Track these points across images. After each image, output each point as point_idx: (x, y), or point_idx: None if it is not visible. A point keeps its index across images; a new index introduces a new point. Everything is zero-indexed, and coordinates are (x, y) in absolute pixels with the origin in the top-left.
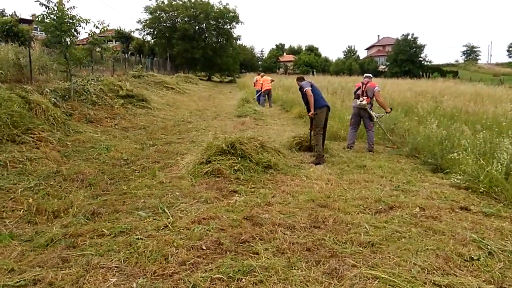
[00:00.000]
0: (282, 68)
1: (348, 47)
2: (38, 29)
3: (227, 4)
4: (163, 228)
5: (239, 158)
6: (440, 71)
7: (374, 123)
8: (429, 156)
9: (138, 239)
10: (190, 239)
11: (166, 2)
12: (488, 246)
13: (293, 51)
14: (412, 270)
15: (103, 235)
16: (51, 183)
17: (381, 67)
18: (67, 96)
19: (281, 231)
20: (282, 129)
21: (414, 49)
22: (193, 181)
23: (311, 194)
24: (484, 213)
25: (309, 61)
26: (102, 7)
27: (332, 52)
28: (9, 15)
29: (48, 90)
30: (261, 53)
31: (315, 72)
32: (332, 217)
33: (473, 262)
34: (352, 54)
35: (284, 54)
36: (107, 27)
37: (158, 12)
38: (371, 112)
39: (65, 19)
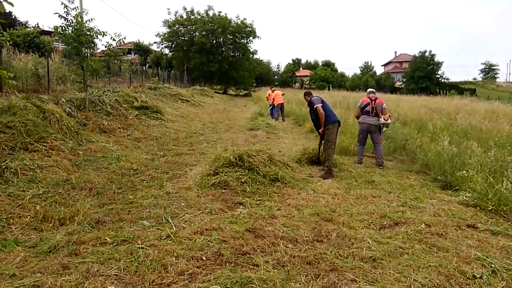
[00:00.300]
0: (298, 83)
1: (365, 63)
2: (59, 41)
3: (245, 19)
4: (165, 238)
5: (247, 171)
6: (457, 88)
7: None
8: (439, 173)
9: (139, 248)
10: (191, 249)
11: (184, 17)
12: (492, 265)
13: (309, 66)
14: (411, 286)
15: (106, 244)
16: (60, 191)
17: (398, 84)
18: (82, 106)
19: (283, 243)
20: (294, 142)
21: (432, 66)
22: (200, 192)
23: (316, 208)
24: (491, 231)
25: (325, 76)
26: (122, 20)
27: (349, 67)
28: (31, 26)
29: (64, 100)
30: (278, 68)
31: (331, 87)
32: (336, 231)
33: (476, 280)
34: (369, 70)
35: (301, 69)
36: (124, 39)
37: (177, 26)
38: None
39: (83, 31)
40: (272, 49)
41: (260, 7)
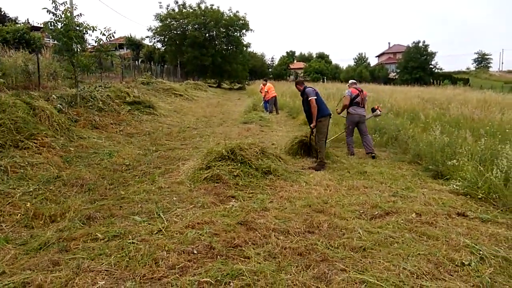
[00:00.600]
0: (293, 76)
1: (359, 54)
2: (50, 37)
3: (237, 11)
4: (156, 233)
5: (239, 164)
6: (451, 78)
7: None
8: (430, 163)
9: (130, 243)
10: (182, 243)
11: (176, 10)
12: (480, 252)
13: (303, 58)
14: (400, 274)
15: (97, 239)
16: (51, 188)
17: (392, 74)
18: (73, 103)
19: (274, 235)
20: (287, 135)
21: (425, 57)
22: (192, 186)
23: (308, 199)
24: (480, 219)
25: (319, 68)
26: (114, 15)
27: (343, 59)
28: (21, 23)
29: (55, 97)
30: (272, 60)
31: (325, 79)
32: (327, 222)
33: (464, 267)
34: (363, 61)
35: (295, 61)
36: (114, 34)
37: (169, 20)
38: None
39: (72, 26)
40: (266, 42)
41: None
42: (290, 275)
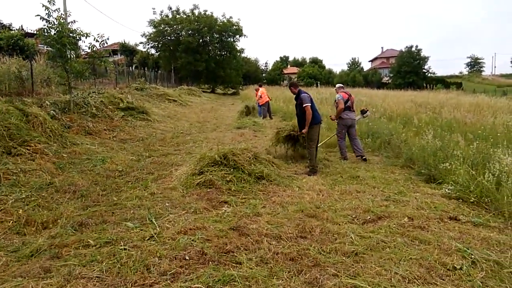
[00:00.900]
0: (286, 80)
1: (352, 59)
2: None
3: (231, 17)
4: (148, 239)
5: (232, 169)
6: (444, 82)
7: None
8: (422, 167)
9: (122, 249)
10: (174, 249)
11: (170, 16)
12: (472, 256)
13: (297, 63)
14: (392, 279)
15: (88, 246)
16: (43, 194)
17: (385, 79)
18: (67, 109)
19: (267, 241)
20: None
21: (418, 61)
22: (185, 192)
23: (301, 204)
24: (472, 223)
25: (313, 73)
26: (108, 21)
27: (336, 64)
28: (15, 29)
29: (48, 103)
30: (266, 66)
31: (319, 84)
32: (319, 227)
33: (456, 272)
34: (356, 66)
35: (288, 66)
36: (107, 40)
37: (162, 26)
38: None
39: (65, 33)
40: (259, 47)
41: (247, 5)
42: (282, 280)
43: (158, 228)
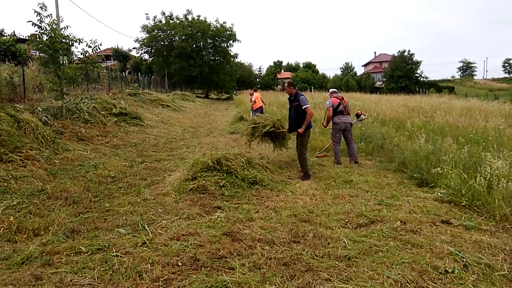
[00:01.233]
0: (280, 85)
1: (345, 63)
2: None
3: (224, 22)
4: (141, 245)
5: (225, 174)
6: (436, 86)
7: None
8: (415, 171)
9: (114, 256)
10: (167, 255)
11: (163, 21)
12: (464, 259)
13: (290, 68)
14: (385, 283)
15: (80, 253)
16: (35, 201)
17: (378, 83)
18: (59, 115)
19: (260, 246)
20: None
21: (411, 65)
22: (178, 197)
23: (294, 209)
24: (464, 226)
25: (306, 77)
26: (101, 27)
27: (330, 68)
28: (7, 35)
29: (40, 109)
30: (259, 70)
31: (312, 89)
32: (313, 232)
33: (448, 275)
34: (350, 70)
35: (282, 71)
36: (100, 46)
37: (156, 31)
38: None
39: (57, 38)
40: (253, 52)
41: (241, 10)
42: (275, 286)
43: (150, 234)
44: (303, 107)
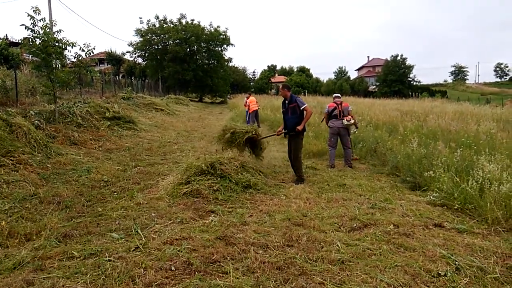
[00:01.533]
0: (274, 89)
1: (339, 68)
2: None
3: (218, 26)
4: (134, 250)
5: (219, 178)
6: (429, 90)
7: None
8: (408, 174)
9: (107, 261)
10: (160, 260)
11: (157, 25)
12: (456, 262)
13: (284, 72)
14: (378, 286)
15: (73, 258)
16: (27, 205)
17: (371, 88)
18: (51, 119)
19: (253, 250)
20: (268, 149)
21: (403, 70)
22: (171, 201)
23: (288, 213)
24: (457, 230)
25: (300, 82)
26: (94, 30)
27: (324, 72)
28: (0, 38)
29: (33, 113)
30: (253, 74)
31: (306, 93)
32: (306, 236)
33: (440, 278)
34: (343, 75)
35: (276, 75)
36: (93, 49)
37: (149, 35)
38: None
39: (50, 42)
40: (247, 56)
41: (235, 14)
42: None
43: (143, 239)
44: (302, 107)
